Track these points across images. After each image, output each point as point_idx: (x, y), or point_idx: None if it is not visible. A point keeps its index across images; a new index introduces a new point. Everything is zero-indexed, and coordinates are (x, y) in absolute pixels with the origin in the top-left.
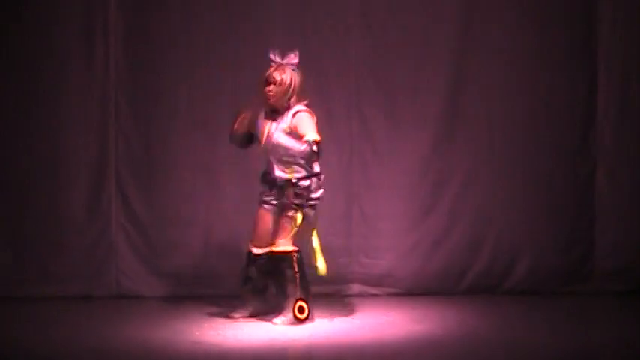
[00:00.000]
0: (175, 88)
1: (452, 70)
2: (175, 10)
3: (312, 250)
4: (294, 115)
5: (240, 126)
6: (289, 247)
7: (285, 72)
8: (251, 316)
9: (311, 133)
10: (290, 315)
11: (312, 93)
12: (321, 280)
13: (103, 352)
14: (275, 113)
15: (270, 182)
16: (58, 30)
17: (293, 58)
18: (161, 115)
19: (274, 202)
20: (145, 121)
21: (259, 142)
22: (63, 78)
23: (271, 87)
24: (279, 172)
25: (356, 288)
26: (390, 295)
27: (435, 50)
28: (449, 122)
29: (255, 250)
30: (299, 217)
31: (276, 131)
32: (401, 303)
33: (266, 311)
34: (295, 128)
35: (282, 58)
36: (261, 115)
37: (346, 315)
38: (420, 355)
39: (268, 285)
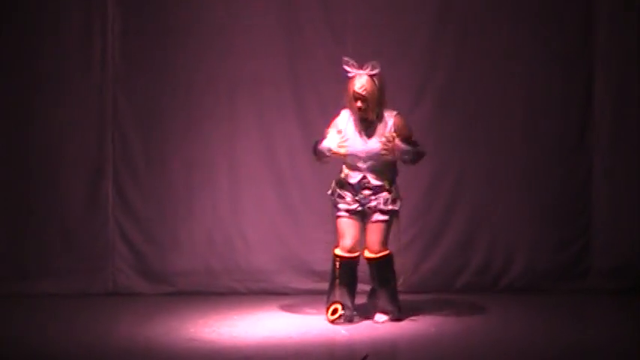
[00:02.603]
0: (172, 85)
1: (448, 70)
2: (172, 8)
3: None
4: (393, 122)
5: (336, 154)
6: (387, 251)
7: (369, 84)
8: (349, 320)
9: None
10: (390, 314)
11: (307, 92)
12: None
13: (98, 350)
14: (366, 123)
15: (357, 188)
16: (57, 29)
17: (375, 69)
18: (158, 112)
19: (359, 210)
20: (142, 118)
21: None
22: (61, 76)
23: (359, 103)
24: (372, 180)
25: None
26: None
27: (431, 50)
28: (445, 121)
29: (348, 255)
30: (393, 220)
31: (372, 138)
32: None
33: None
34: (397, 133)
35: (361, 68)
36: (349, 123)
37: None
38: (415, 354)
39: (355, 289)
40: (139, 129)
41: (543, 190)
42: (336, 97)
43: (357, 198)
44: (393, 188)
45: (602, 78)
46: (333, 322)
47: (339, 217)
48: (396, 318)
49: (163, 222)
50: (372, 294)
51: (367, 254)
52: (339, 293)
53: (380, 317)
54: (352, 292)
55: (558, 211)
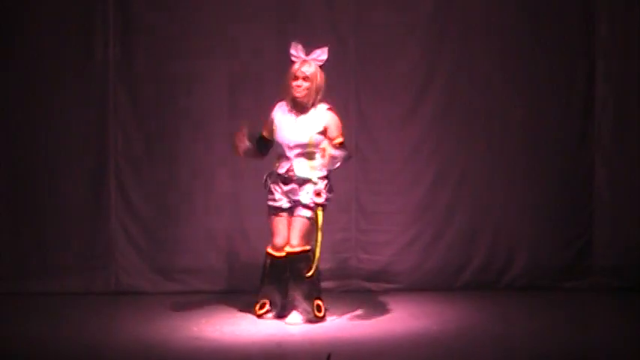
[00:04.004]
0: (174, 86)
1: (450, 67)
2: (173, 7)
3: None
4: (324, 118)
5: (240, 142)
6: (307, 247)
7: (314, 68)
8: (279, 316)
9: (339, 138)
10: (305, 314)
11: None
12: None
13: (101, 349)
14: (298, 110)
15: (284, 180)
16: (58, 28)
17: (321, 55)
18: (160, 112)
19: (286, 206)
20: (144, 118)
21: (272, 139)
22: (62, 75)
23: (300, 82)
24: (299, 171)
25: (354, 284)
26: (387, 290)
27: (433, 47)
28: (447, 119)
29: (277, 254)
30: (320, 215)
31: (301, 127)
32: (399, 299)
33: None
34: (327, 128)
35: (307, 54)
36: (280, 111)
37: (344, 311)
38: (417, 351)
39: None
40: (140, 127)
41: (545, 189)
42: (339, 96)
43: (285, 190)
44: (319, 181)
45: (603, 77)
46: (260, 316)
47: (270, 214)
48: (312, 319)
49: (166, 220)
50: (288, 292)
51: (287, 248)
52: (268, 290)
53: (293, 318)
54: (281, 289)
55: (560, 209)
